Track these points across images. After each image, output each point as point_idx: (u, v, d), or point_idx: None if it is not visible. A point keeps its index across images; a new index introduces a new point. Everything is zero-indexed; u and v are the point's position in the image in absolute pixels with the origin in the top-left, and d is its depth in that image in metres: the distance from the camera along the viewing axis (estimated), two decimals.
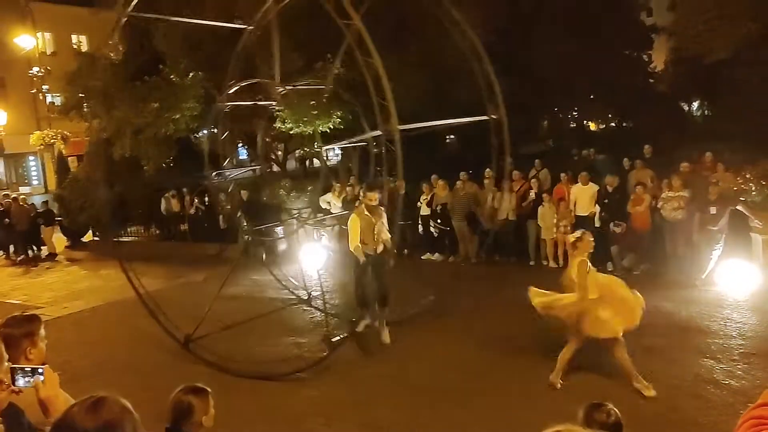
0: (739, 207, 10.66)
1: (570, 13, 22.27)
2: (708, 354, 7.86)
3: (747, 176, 11.06)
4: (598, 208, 12.30)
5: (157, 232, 19.85)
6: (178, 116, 15.90)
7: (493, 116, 10.23)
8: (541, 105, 25.95)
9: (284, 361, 8.52)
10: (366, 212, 8.79)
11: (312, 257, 13.58)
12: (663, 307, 9.60)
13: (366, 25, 7.98)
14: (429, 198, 14.33)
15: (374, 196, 8.91)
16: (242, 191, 15.11)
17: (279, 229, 14.66)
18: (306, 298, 11.28)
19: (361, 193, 8.94)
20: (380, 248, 8.95)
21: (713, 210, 10.75)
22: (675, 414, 6.37)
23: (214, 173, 11.97)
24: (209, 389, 3.57)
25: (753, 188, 10.80)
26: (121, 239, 19.05)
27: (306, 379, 7.93)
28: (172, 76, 16.18)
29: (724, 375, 7.23)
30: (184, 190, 18.35)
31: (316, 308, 10.99)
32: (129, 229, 20.06)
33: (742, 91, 15.65)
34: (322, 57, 15.16)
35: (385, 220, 9.05)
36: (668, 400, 6.69)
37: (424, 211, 14.40)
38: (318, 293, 11.04)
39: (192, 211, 18.00)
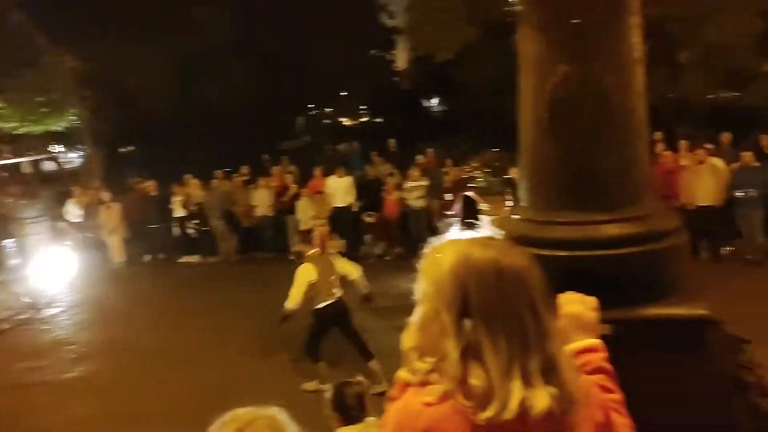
0: (469, 193, 11.93)
1: (318, 15, 22.96)
2: None
3: (474, 165, 12.43)
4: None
5: None
6: None
7: None
8: (297, 102, 26.46)
9: (20, 387, 7.60)
10: (320, 254, 6.87)
11: (52, 270, 12.29)
12: (413, 289, 10.39)
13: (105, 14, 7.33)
14: (183, 199, 13.77)
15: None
16: None
17: (9, 241, 13.00)
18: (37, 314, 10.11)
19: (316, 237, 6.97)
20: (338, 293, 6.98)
21: (448, 196, 11.94)
22: None
23: None
24: None
25: (479, 175, 12.17)
26: None
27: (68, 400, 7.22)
28: None
29: None
30: None
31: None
32: None
33: (469, 89, 17.57)
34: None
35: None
36: None
37: (179, 212, 13.81)
38: (58, 309, 10.01)
39: None
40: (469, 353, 1.28)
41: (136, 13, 16.71)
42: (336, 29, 23.45)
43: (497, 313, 1.29)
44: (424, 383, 1.37)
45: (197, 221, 13.65)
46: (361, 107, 34.22)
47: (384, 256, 12.62)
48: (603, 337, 1.65)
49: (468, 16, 12.16)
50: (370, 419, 3.72)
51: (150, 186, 14.15)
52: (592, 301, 1.68)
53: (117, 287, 11.08)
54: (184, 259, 13.91)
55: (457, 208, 11.91)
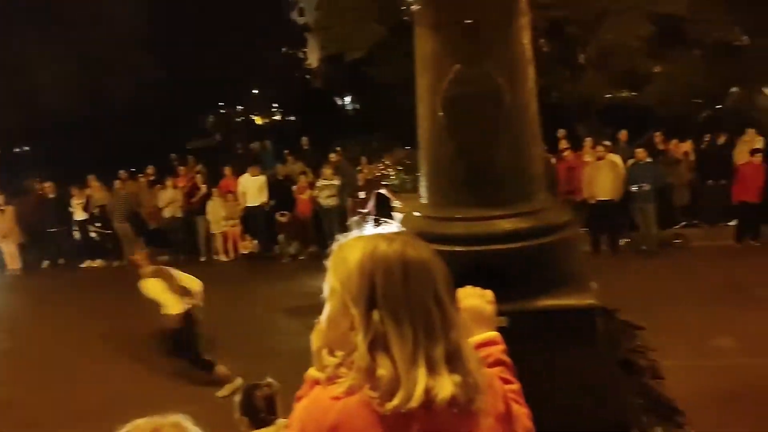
0: (382, 191, 12.03)
1: (228, 11, 22.50)
2: None
3: (387, 163, 12.54)
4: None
5: None
6: None
7: None
8: (206, 100, 25.82)
9: None
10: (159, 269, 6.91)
11: None
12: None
13: None
14: (84, 201, 13.13)
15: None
16: None
17: None
18: None
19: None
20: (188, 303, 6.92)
21: (362, 194, 12.00)
22: None
23: None
24: None
25: (392, 173, 12.29)
26: None
27: None
28: None
29: None
30: None
31: None
32: None
33: (381, 87, 17.68)
34: None
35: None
36: None
37: (80, 215, 13.15)
38: None
39: None
40: (377, 344, 1.30)
41: (34, 3, 15.81)
42: (246, 26, 23.05)
43: (404, 303, 1.31)
44: (331, 379, 1.37)
45: (100, 224, 13.06)
46: (273, 105, 33.80)
47: (298, 256, 12.53)
48: (500, 330, 1.69)
49: (377, 15, 12.25)
50: (281, 421, 3.67)
51: (48, 187, 13.39)
52: (489, 294, 1.72)
53: (12, 296, 10.43)
54: (87, 263, 13.27)
55: (371, 206, 11.97)
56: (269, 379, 3.77)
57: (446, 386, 1.28)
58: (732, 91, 15.77)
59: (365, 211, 11.89)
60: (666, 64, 13.92)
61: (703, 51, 13.77)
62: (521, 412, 1.56)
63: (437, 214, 2.42)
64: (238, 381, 6.34)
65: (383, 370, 1.28)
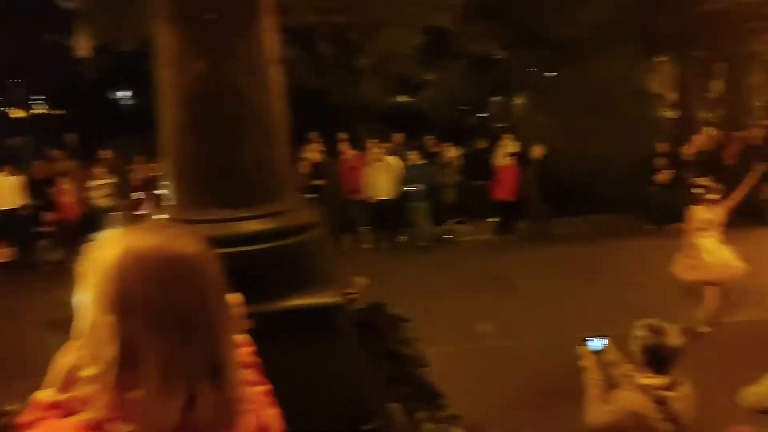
0: (160, 191, 11.43)
1: None
2: None
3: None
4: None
5: None
6: None
7: None
8: None
9: None
10: None
11: None
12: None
13: None
14: None
15: None
16: None
17: None
18: None
19: None
20: None
21: (139, 195, 11.32)
22: None
23: None
24: None
25: None
26: None
27: None
28: None
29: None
30: None
31: None
32: None
33: (151, 83, 16.76)
34: None
35: None
36: None
37: None
38: None
39: None
40: (130, 358, 1.14)
41: None
42: (3, 8, 20.49)
43: (163, 308, 1.16)
44: (69, 408, 1.20)
45: None
46: (36, 97, 30.52)
47: (63, 263, 11.42)
48: (248, 331, 1.66)
49: (148, 6, 11.55)
50: None
51: None
52: (237, 296, 1.68)
53: None
54: None
55: (149, 207, 11.33)
56: (11, 406, 3.31)
57: (206, 406, 1.16)
58: (492, 99, 17.54)
59: (142, 212, 11.21)
60: (436, 72, 15.04)
61: (468, 62, 15.12)
62: (271, 413, 1.53)
63: (183, 216, 2.32)
64: None
65: (134, 391, 1.13)
